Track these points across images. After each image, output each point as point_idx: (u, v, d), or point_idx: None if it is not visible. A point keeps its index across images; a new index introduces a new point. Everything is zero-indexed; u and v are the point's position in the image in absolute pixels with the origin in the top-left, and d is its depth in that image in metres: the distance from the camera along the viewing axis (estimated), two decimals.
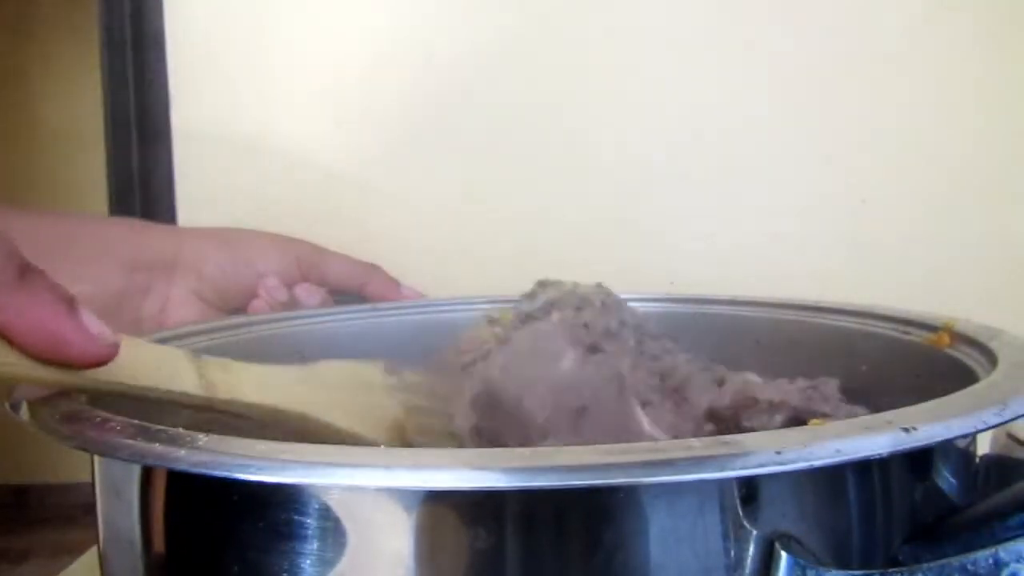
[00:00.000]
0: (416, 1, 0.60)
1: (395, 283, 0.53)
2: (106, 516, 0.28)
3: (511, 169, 0.60)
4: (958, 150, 0.56)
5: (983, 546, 0.18)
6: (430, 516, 0.21)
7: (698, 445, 0.18)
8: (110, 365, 0.26)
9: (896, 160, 0.57)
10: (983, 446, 0.31)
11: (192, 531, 0.25)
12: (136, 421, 0.23)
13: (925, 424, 0.20)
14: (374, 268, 0.53)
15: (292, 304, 0.50)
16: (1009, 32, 0.55)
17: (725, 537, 0.21)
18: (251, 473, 0.20)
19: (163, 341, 0.39)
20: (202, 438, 0.22)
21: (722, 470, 0.18)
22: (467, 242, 0.60)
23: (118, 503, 0.26)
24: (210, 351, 0.41)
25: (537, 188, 0.60)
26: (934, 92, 0.56)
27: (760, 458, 0.18)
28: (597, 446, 0.18)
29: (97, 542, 0.28)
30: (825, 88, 0.57)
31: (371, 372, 0.36)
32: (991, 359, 0.30)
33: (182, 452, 0.21)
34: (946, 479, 0.25)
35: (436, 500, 0.21)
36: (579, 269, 0.59)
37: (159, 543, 0.25)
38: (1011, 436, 0.30)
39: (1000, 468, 0.28)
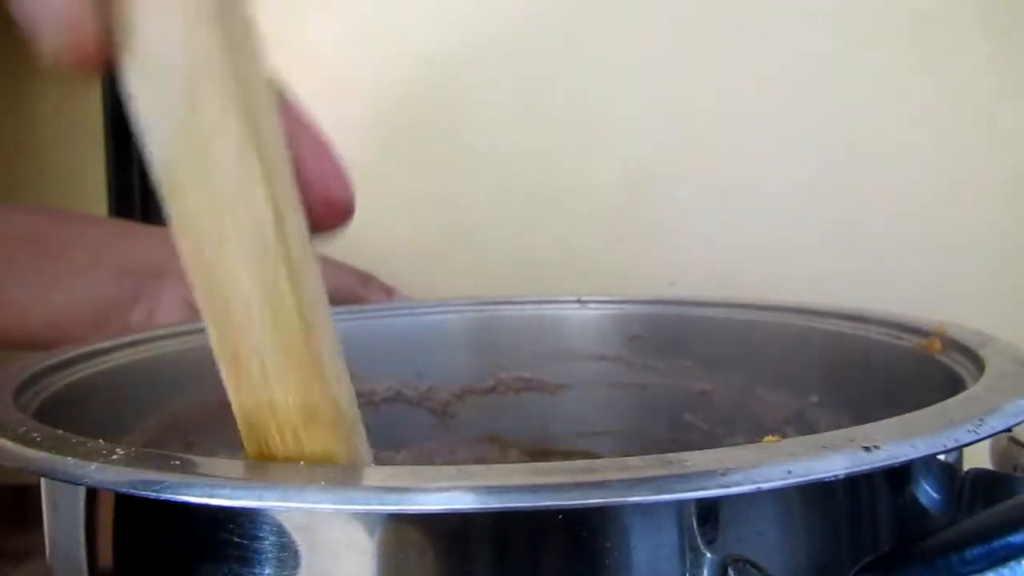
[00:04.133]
0: (417, 2, 0.60)
1: (389, 292, 0.52)
2: (52, 535, 0.27)
3: (510, 169, 0.60)
4: (957, 151, 0.55)
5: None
6: (393, 538, 0.20)
7: (635, 464, 0.17)
8: None
9: (895, 161, 0.56)
10: (983, 454, 0.30)
11: (141, 553, 0.24)
12: (79, 438, 0.22)
13: (889, 442, 0.19)
14: (368, 277, 0.52)
15: None
16: (1010, 31, 0.54)
17: (679, 561, 0.19)
18: (200, 496, 0.19)
19: (151, 340, 0.38)
20: (136, 454, 0.21)
21: (658, 492, 0.16)
22: (466, 242, 0.60)
23: (63, 522, 0.26)
24: (195, 351, 0.41)
25: (535, 189, 0.59)
26: (934, 92, 0.55)
27: (702, 481, 0.17)
28: (527, 465, 0.17)
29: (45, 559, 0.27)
30: (825, 89, 0.57)
31: None
32: (980, 367, 0.29)
33: (126, 473, 0.20)
34: (927, 494, 0.24)
35: (398, 521, 0.19)
36: (577, 270, 0.58)
37: (106, 565, 0.24)
38: (1012, 439, 0.29)
39: (987, 482, 0.26)
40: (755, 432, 0.42)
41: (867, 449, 0.18)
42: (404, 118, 0.60)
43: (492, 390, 0.48)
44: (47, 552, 0.27)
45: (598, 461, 0.17)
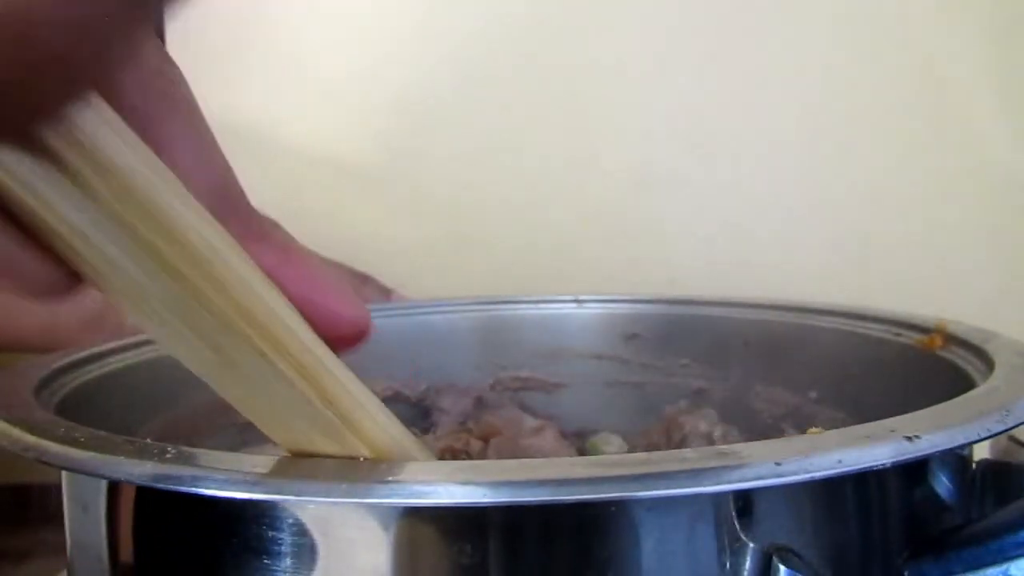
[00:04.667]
0: (418, 5, 0.60)
1: (387, 293, 0.52)
2: (73, 529, 0.26)
3: (511, 169, 0.60)
4: (958, 151, 0.56)
5: (992, 562, 0.17)
6: (410, 532, 0.20)
7: (693, 456, 0.18)
8: None
9: (896, 161, 0.57)
10: (980, 450, 0.31)
11: (162, 547, 0.24)
12: (102, 432, 0.22)
13: (928, 432, 0.19)
14: (366, 278, 0.52)
15: None
16: (1012, 32, 0.55)
17: (721, 551, 0.20)
18: (224, 489, 0.19)
19: (147, 343, 0.38)
20: (171, 451, 0.21)
21: (719, 483, 0.17)
22: (467, 242, 0.60)
23: (84, 517, 0.25)
24: None
25: (537, 188, 0.60)
26: (934, 93, 0.56)
27: (759, 470, 0.17)
28: (586, 458, 0.18)
29: (61, 555, 0.27)
30: (825, 89, 0.57)
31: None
32: (986, 362, 0.29)
33: (149, 466, 0.20)
34: (944, 485, 0.25)
35: (416, 515, 0.20)
36: (578, 270, 0.59)
37: (127, 559, 0.24)
38: (1012, 438, 0.30)
39: (996, 474, 0.27)
40: (753, 429, 0.43)
41: (909, 439, 0.19)
42: (404, 121, 0.60)
43: (490, 389, 0.48)
44: (68, 548, 0.27)
45: (654, 454, 0.18)
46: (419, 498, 0.18)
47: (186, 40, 0.61)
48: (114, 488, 0.24)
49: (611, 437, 0.41)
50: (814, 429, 0.20)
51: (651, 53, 0.58)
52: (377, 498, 0.19)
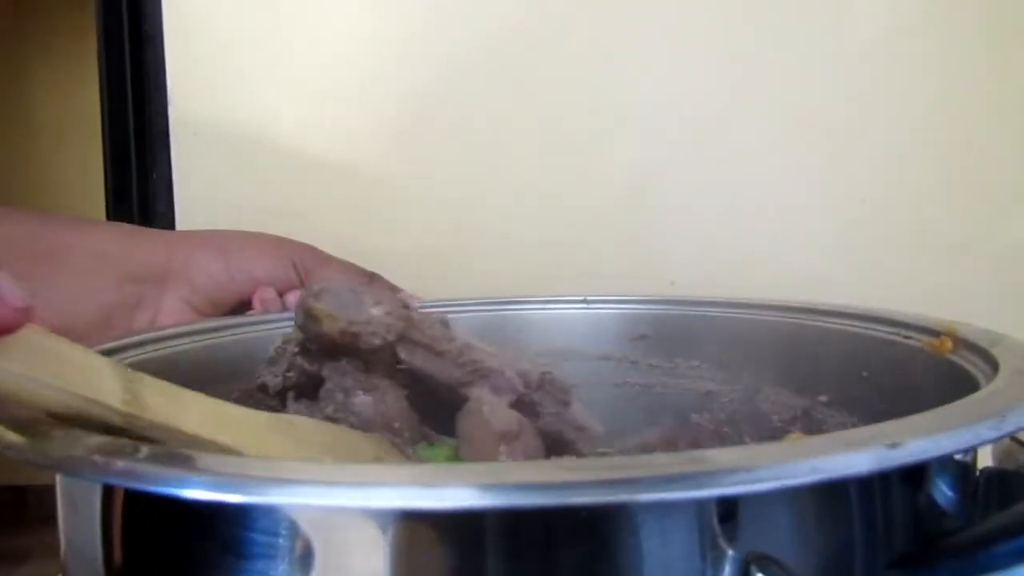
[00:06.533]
0: (422, 6, 0.60)
1: (395, 291, 0.52)
2: (67, 531, 0.27)
3: (511, 170, 0.60)
4: (959, 151, 0.56)
5: (980, 572, 0.16)
6: (407, 534, 0.20)
7: (664, 461, 0.17)
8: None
9: (896, 161, 0.56)
10: (985, 454, 0.30)
11: (157, 550, 0.24)
12: (100, 436, 0.23)
13: (913, 439, 0.19)
14: (373, 276, 0.52)
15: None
16: (1011, 33, 0.54)
17: (700, 558, 0.19)
18: (221, 492, 0.19)
19: (149, 343, 0.38)
20: (167, 453, 0.21)
21: (689, 489, 0.16)
22: (468, 242, 0.60)
23: (78, 518, 0.26)
24: (194, 352, 0.41)
25: (537, 189, 0.60)
26: (935, 93, 0.56)
27: (731, 476, 0.17)
28: (555, 460, 0.17)
29: (59, 556, 0.27)
30: (825, 89, 0.57)
31: (362, 443, 0.31)
32: (993, 365, 0.29)
33: (144, 469, 0.20)
34: (943, 493, 0.24)
35: (413, 518, 0.19)
36: (579, 270, 0.59)
37: (121, 562, 0.24)
38: (1015, 439, 0.29)
39: (1001, 482, 0.26)
40: (762, 432, 0.42)
41: (891, 446, 0.18)
42: (409, 122, 0.60)
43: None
44: (62, 550, 0.27)
45: (623, 459, 0.17)
46: (416, 501, 0.18)
47: (191, 46, 0.61)
48: (108, 490, 0.24)
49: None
50: (794, 435, 0.19)
51: (652, 54, 0.58)
52: (375, 501, 0.18)
